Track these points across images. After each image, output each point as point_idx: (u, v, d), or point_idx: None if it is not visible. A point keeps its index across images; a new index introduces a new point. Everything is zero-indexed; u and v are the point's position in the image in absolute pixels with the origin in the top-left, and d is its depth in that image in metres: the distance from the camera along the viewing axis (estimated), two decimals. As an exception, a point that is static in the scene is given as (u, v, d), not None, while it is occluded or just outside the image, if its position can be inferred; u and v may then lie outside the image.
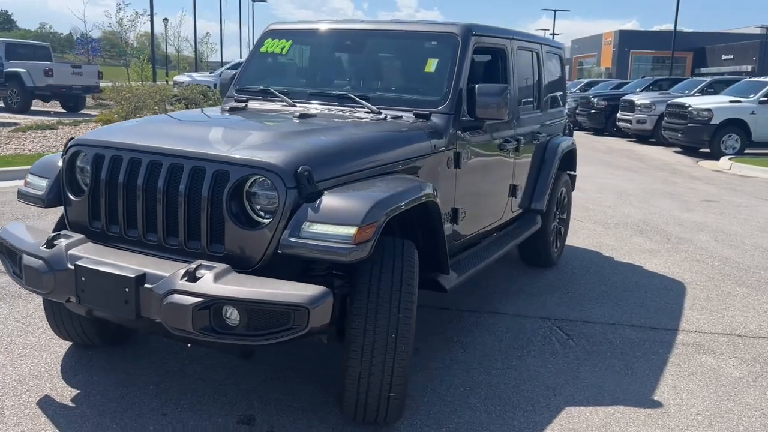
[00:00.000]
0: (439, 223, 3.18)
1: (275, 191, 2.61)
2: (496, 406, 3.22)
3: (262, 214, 2.66)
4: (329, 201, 2.60)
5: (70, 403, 3.04)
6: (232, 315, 2.46)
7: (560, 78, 5.84)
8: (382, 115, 3.61)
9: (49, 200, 3.14)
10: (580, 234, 6.93)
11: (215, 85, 19.08)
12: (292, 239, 2.53)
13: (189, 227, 2.73)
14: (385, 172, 3.10)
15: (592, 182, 10.41)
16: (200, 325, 2.44)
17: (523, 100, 4.82)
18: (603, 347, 4.00)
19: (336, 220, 2.52)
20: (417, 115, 3.63)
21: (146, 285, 2.56)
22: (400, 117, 3.63)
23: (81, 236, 2.90)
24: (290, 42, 4.31)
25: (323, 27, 4.26)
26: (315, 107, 3.84)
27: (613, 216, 7.98)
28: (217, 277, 2.49)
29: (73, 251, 2.77)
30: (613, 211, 8.27)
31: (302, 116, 3.46)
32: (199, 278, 2.49)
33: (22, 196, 3.26)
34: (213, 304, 2.43)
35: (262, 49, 4.37)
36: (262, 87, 4.14)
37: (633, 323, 4.43)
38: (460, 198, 3.79)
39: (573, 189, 6.13)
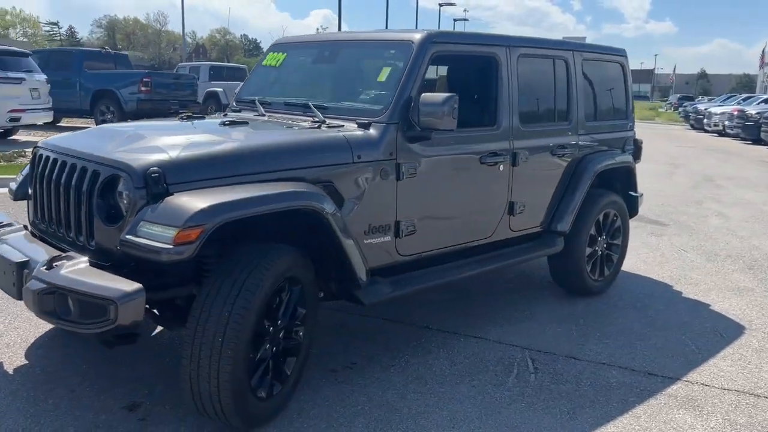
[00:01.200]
0: (333, 234, 3.11)
1: (129, 190, 2.79)
2: (377, 430, 3.05)
3: (124, 212, 2.85)
4: (169, 203, 2.70)
5: None
6: (71, 303, 2.68)
7: (616, 88, 5.28)
8: (317, 125, 3.62)
9: (17, 194, 3.64)
10: (670, 263, 6.14)
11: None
12: (128, 237, 2.68)
13: (77, 221, 3.01)
14: (283, 179, 3.11)
15: (728, 195, 9.09)
16: (45, 309, 2.68)
17: (531, 111, 4.46)
18: (564, 386, 3.56)
19: (163, 220, 2.62)
20: (359, 125, 3.57)
21: (25, 270, 2.88)
22: (342, 126, 3.60)
23: (20, 227, 3.33)
24: (285, 55, 4.47)
25: (308, 40, 4.37)
26: (278, 116, 3.95)
27: (730, 246, 6.92)
28: (67, 267, 2.72)
29: (2, 238, 3.20)
30: (734, 240, 7.17)
31: (230, 124, 3.59)
32: (54, 267, 2.74)
33: (10, 190, 3.80)
34: (54, 291, 2.66)
35: (264, 63, 4.58)
36: (250, 98, 4.35)
37: (626, 365, 3.87)
38: (405, 212, 3.64)
39: (635, 212, 5.48)
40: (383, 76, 3.73)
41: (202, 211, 2.63)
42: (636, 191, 5.38)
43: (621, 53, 5.34)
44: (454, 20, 58.08)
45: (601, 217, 5.00)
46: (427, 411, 3.23)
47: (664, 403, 3.43)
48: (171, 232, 2.58)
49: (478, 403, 3.33)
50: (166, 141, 3.09)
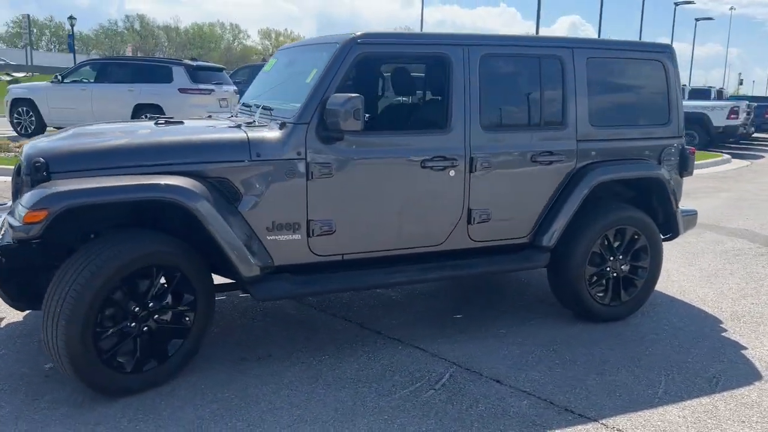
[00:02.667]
0: (205, 227, 3.31)
1: (22, 176, 3.29)
2: (221, 417, 3.17)
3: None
4: (37, 188, 3.13)
5: None
6: None
7: (651, 89, 4.64)
8: (237, 123, 3.82)
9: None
10: (749, 298, 5.19)
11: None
12: (9, 217, 3.17)
13: None
14: (174, 173, 3.38)
15: None
16: None
17: (501, 114, 4.15)
18: (453, 406, 3.31)
19: (24, 203, 3.05)
20: (279, 125, 3.71)
21: None
22: (265, 125, 3.76)
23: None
24: (275, 60, 4.73)
25: (290, 46, 4.57)
26: (238, 118, 4.21)
27: None
28: None
29: None
30: None
31: (165, 122, 3.94)
32: None
33: None
34: None
35: (264, 68, 4.89)
36: (243, 102, 4.69)
37: (547, 398, 3.45)
38: (319, 211, 3.68)
39: (674, 233, 4.78)
40: (309, 78, 3.81)
41: (49, 196, 3.01)
42: (673, 208, 4.66)
43: (662, 50, 4.68)
44: (696, 20, 52.80)
45: (611, 234, 4.44)
46: (281, 408, 3.25)
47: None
48: (23, 213, 3.00)
49: (340, 409, 3.26)
50: (67, 135, 3.56)
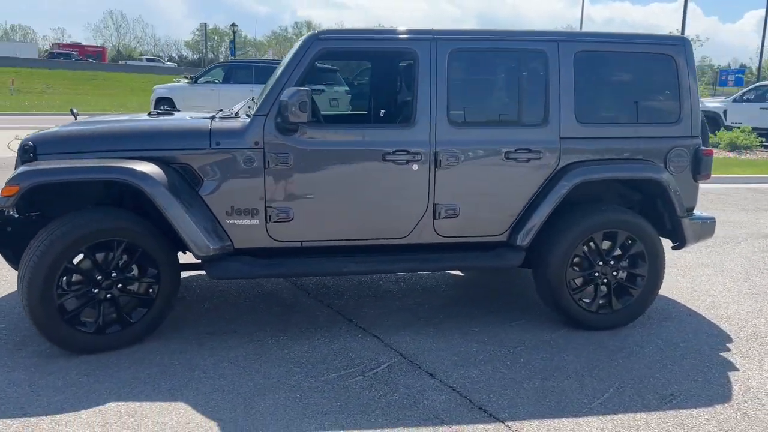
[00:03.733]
0: (159, 208, 3.66)
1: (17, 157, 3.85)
2: (143, 385, 3.50)
3: None
4: (20, 167, 3.66)
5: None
6: None
7: (659, 85, 4.34)
8: (211, 116, 4.14)
9: None
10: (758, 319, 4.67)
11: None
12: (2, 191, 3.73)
13: None
14: (144, 158, 3.78)
15: None
16: None
17: (472, 110, 4.10)
18: (369, 393, 3.39)
19: (8, 179, 3.59)
20: (248, 116, 3.99)
21: None
22: (238, 117, 4.05)
23: None
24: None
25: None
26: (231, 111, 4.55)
27: None
28: None
29: None
30: None
31: (157, 114, 4.36)
32: None
33: None
34: None
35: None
36: (254, 97, 5.02)
37: (468, 395, 3.40)
38: (276, 199, 3.91)
39: (681, 241, 4.45)
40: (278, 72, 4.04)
41: (22, 174, 3.52)
42: (676, 213, 4.31)
43: (673, 43, 4.34)
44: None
45: (598, 238, 4.22)
46: (210, 378, 3.52)
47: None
48: (1, 188, 3.54)
49: (261, 384, 3.45)
50: (62, 124, 4.06)
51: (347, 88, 15.41)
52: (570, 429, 3.12)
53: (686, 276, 5.64)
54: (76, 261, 3.69)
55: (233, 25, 48.64)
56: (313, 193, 3.94)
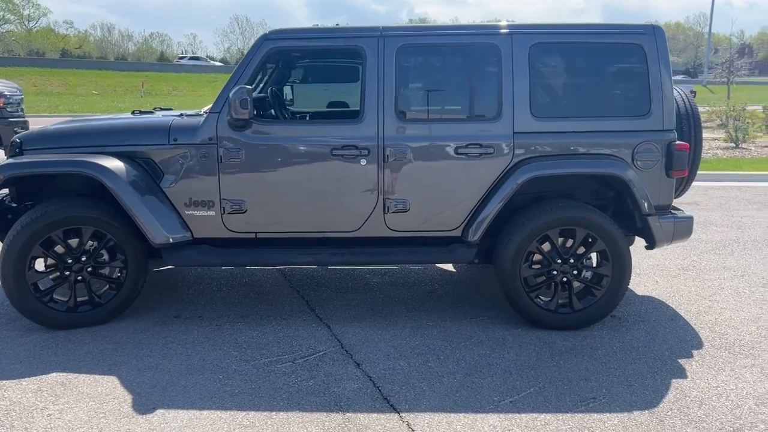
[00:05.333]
0: (117, 198, 4.00)
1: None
2: (91, 359, 3.84)
3: None
4: (8, 160, 4.13)
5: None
6: None
7: (626, 77, 4.16)
8: (179, 113, 4.44)
9: None
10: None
11: None
12: None
13: None
14: (114, 153, 4.14)
15: None
16: None
17: (421, 105, 4.12)
18: (284, 378, 3.54)
19: None
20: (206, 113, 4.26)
21: None
22: (200, 114, 4.33)
23: None
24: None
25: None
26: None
27: None
28: None
29: None
30: None
31: (139, 113, 4.72)
32: None
33: None
34: None
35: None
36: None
37: (378, 382, 3.47)
38: (230, 192, 4.14)
39: (651, 241, 4.22)
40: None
41: (2, 167, 3.98)
42: (643, 210, 4.10)
43: (643, 32, 4.13)
44: None
45: (554, 235, 4.11)
46: (149, 356, 3.80)
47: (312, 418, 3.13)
48: None
49: (193, 365, 3.69)
50: (47, 124, 4.51)
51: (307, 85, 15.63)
52: (463, 424, 3.11)
53: (697, 279, 5.31)
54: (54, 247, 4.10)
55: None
56: (265, 186, 4.14)
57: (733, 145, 13.76)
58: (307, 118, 4.67)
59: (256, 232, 4.23)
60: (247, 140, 4.09)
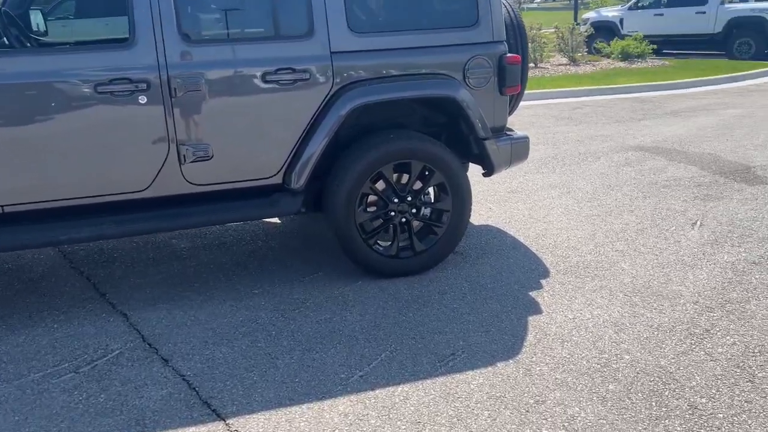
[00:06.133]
0: None
1: None
2: None
3: None
4: None
5: None
6: None
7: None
8: None
9: None
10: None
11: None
12: None
13: None
14: None
15: None
16: None
17: (211, 23, 3.29)
18: (67, 395, 2.66)
19: None
20: None
21: None
22: None
23: None
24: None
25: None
26: None
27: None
28: None
29: None
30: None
31: None
32: None
33: None
34: None
35: None
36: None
37: (194, 381, 2.73)
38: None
39: (489, 168, 3.82)
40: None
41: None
42: (478, 134, 3.67)
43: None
44: None
45: (388, 171, 3.54)
46: None
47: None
48: None
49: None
50: None
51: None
52: (308, 419, 2.49)
53: (528, 201, 5.10)
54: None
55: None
56: (16, 144, 3.07)
57: (532, 65, 14.22)
58: (57, 46, 3.58)
59: (2, 206, 3.16)
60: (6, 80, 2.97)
